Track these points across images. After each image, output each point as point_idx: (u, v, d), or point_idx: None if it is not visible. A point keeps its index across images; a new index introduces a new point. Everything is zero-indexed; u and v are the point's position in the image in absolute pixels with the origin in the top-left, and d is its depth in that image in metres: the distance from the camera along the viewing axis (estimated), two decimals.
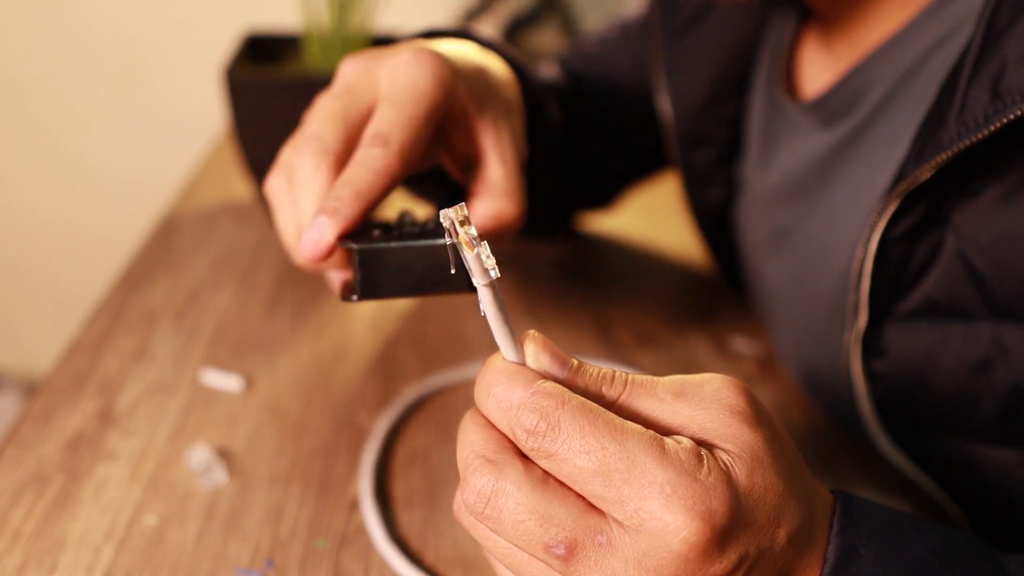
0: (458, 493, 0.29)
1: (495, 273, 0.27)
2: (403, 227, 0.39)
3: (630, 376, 0.29)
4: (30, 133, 1.39)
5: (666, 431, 0.27)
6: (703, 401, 0.28)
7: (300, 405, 0.51)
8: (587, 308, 0.63)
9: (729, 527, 0.25)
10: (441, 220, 0.26)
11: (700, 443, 0.27)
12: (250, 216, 0.74)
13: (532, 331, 0.29)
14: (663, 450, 0.25)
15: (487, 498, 0.27)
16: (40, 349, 1.54)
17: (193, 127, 1.31)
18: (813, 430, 0.52)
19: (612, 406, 0.28)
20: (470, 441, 0.28)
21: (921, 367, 0.42)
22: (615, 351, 0.58)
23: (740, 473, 0.26)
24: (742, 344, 0.60)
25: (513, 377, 0.28)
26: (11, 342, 1.59)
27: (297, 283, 0.64)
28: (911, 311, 0.42)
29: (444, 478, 0.46)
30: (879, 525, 0.28)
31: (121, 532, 0.41)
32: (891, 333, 0.43)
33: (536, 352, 0.28)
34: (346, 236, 0.36)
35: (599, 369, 0.29)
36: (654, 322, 0.62)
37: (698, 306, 0.65)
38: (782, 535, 0.26)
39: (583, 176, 0.69)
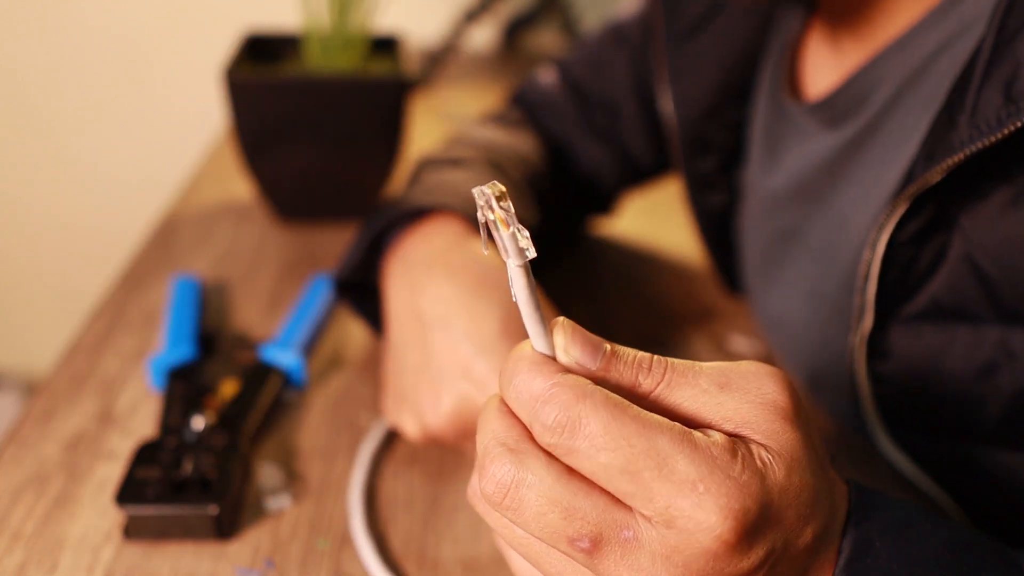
0: (474, 478, 0.28)
1: (531, 253, 0.26)
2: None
3: (670, 362, 0.27)
4: (30, 133, 1.39)
5: (707, 423, 0.26)
6: (748, 394, 0.26)
7: (301, 405, 0.51)
8: (587, 308, 0.63)
9: (759, 524, 0.25)
10: (476, 197, 0.25)
11: (737, 436, 0.26)
12: (250, 216, 0.74)
13: (562, 318, 0.28)
14: (694, 445, 0.25)
15: (507, 488, 0.26)
16: (40, 349, 1.54)
17: (193, 127, 1.31)
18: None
19: (648, 396, 0.27)
20: (491, 428, 0.27)
21: (926, 370, 0.42)
22: None
23: (779, 472, 0.25)
24: (742, 344, 0.60)
25: (535, 367, 0.26)
26: (11, 342, 1.59)
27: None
28: (916, 313, 0.42)
29: (444, 478, 0.46)
30: (894, 518, 0.28)
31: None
32: (896, 335, 0.43)
33: (566, 342, 0.27)
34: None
35: (636, 354, 0.27)
36: (654, 322, 0.62)
37: (698, 306, 0.65)
38: (808, 533, 0.26)
39: (584, 186, 0.69)
